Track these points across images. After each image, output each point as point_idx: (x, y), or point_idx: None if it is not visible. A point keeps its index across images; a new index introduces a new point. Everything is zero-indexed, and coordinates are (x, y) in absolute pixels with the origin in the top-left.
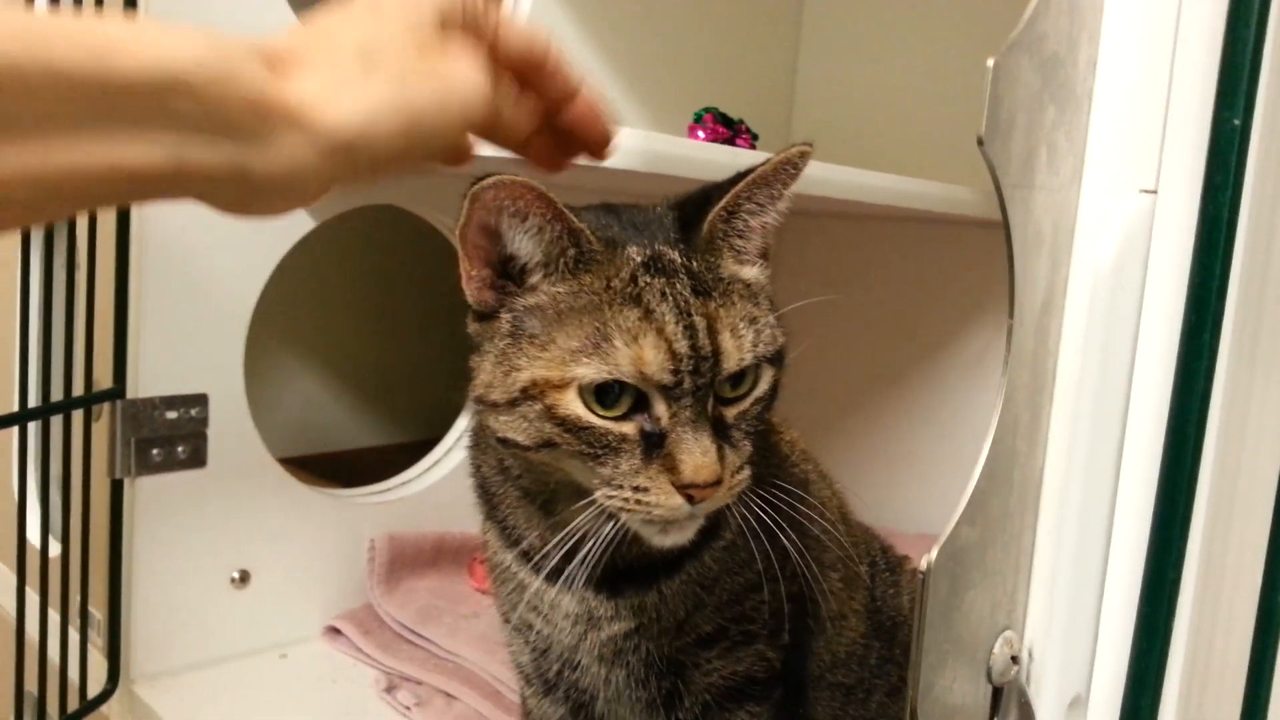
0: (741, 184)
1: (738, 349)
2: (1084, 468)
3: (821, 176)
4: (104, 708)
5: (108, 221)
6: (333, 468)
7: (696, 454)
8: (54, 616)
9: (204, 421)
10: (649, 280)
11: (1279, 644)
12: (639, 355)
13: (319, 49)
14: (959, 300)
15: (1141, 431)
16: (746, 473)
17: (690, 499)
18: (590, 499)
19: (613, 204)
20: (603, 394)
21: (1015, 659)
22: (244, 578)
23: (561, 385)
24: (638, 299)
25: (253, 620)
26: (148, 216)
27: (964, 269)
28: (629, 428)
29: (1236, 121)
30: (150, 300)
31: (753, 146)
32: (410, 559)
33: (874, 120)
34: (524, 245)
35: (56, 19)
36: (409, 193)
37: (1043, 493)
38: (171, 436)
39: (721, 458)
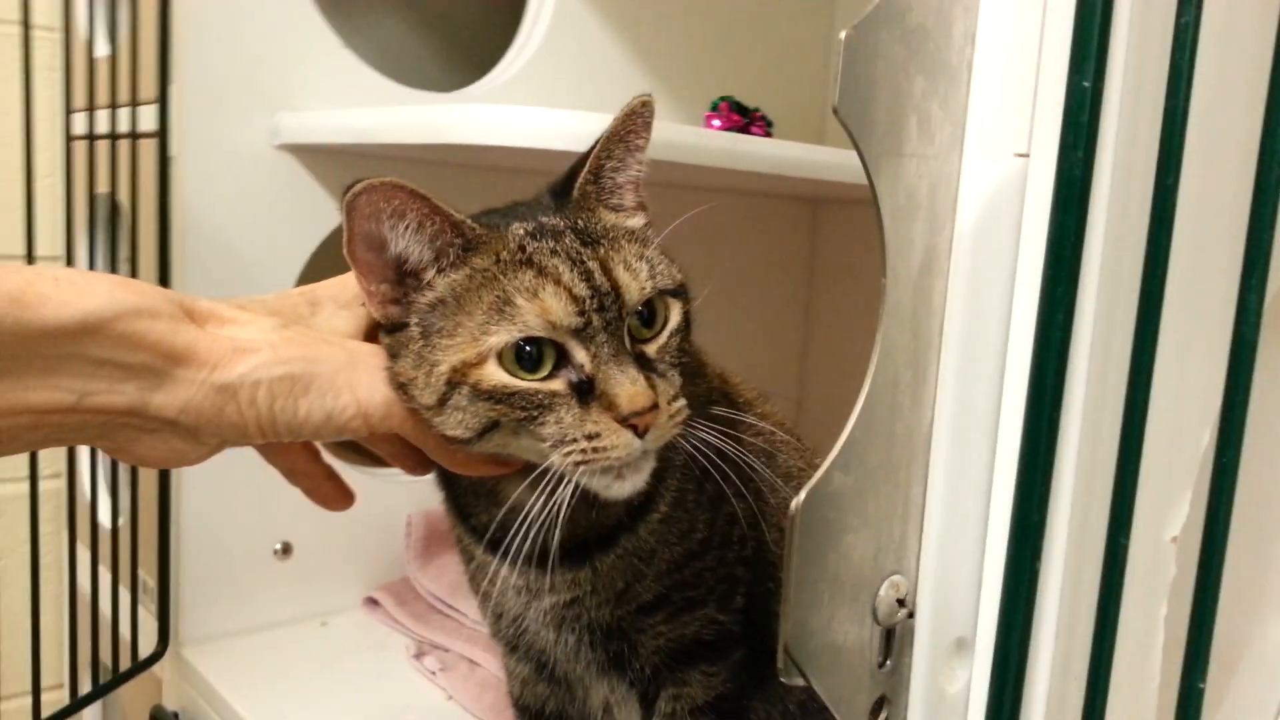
0: (598, 145)
1: (635, 281)
2: (963, 421)
3: (854, 164)
4: (154, 669)
5: (148, 218)
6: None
7: (626, 384)
8: (107, 591)
9: None
10: (537, 244)
11: (1123, 585)
12: (543, 306)
13: (241, 309)
14: None
15: (1015, 383)
16: (682, 403)
17: (636, 430)
18: (533, 474)
19: (492, 207)
20: (522, 358)
21: (902, 602)
22: (286, 549)
23: (479, 361)
24: (529, 261)
25: (295, 590)
26: (185, 210)
27: None
28: (557, 384)
29: (1086, 84)
30: (191, 291)
31: (767, 134)
32: (444, 535)
33: None
34: (409, 245)
35: None
36: (440, 185)
37: (931, 446)
38: None
39: (652, 386)
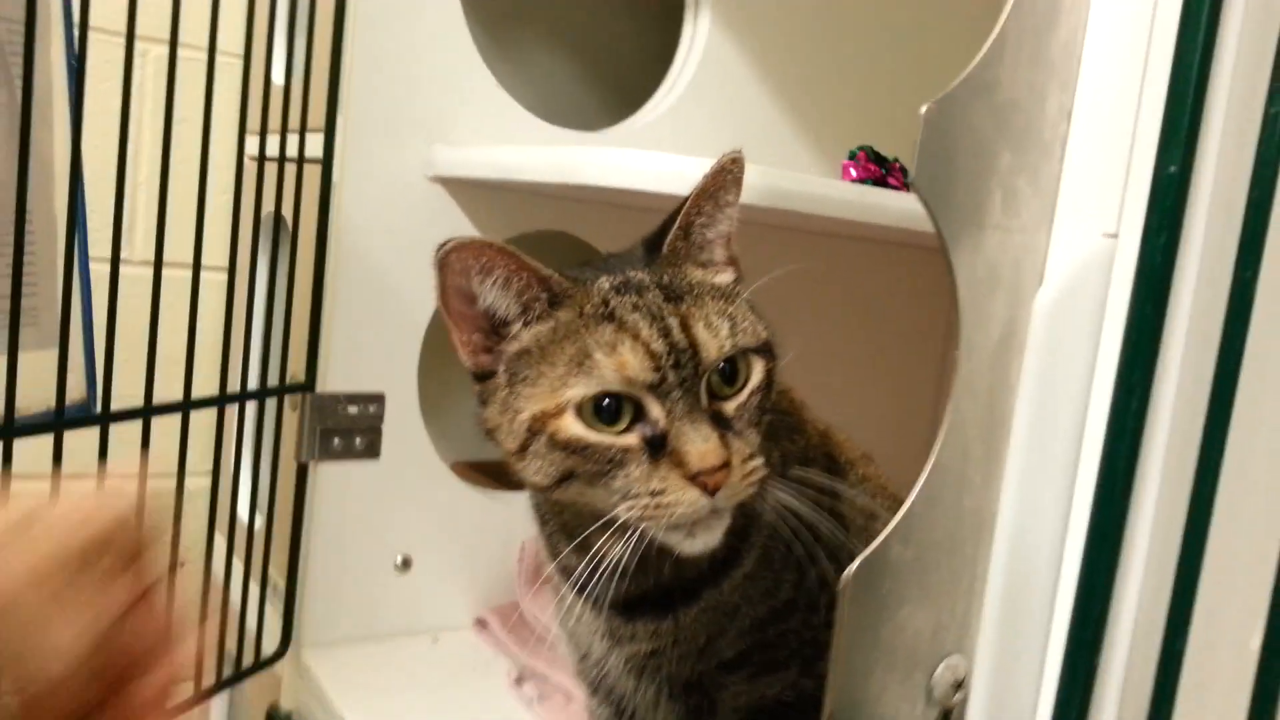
0: (688, 201)
1: (715, 339)
2: (1030, 503)
3: None
4: (275, 667)
5: (308, 237)
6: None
7: (698, 441)
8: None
9: (380, 418)
10: (620, 299)
11: (1177, 691)
12: (620, 361)
13: None
14: None
15: (1088, 466)
16: (758, 462)
17: (705, 488)
18: (611, 520)
19: (589, 259)
20: (601, 412)
21: (960, 684)
22: (406, 564)
23: (558, 412)
24: (611, 316)
25: (411, 604)
26: (342, 233)
27: None
28: (631, 439)
29: (1173, 169)
30: (340, 309)
31: (904, 185)
32: None
33: None
34: (498, 298)
35: None
36: (579, 220)
37: (998, 525)
38: (351, 429)
39: (726, 444)
